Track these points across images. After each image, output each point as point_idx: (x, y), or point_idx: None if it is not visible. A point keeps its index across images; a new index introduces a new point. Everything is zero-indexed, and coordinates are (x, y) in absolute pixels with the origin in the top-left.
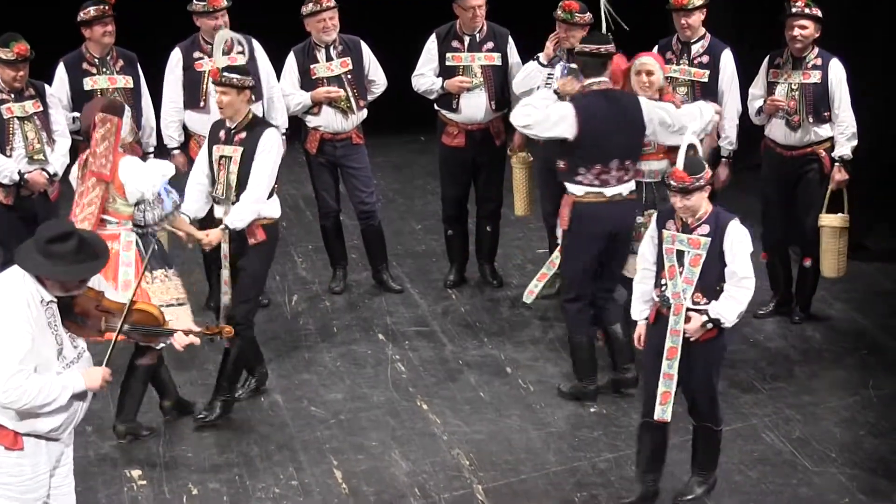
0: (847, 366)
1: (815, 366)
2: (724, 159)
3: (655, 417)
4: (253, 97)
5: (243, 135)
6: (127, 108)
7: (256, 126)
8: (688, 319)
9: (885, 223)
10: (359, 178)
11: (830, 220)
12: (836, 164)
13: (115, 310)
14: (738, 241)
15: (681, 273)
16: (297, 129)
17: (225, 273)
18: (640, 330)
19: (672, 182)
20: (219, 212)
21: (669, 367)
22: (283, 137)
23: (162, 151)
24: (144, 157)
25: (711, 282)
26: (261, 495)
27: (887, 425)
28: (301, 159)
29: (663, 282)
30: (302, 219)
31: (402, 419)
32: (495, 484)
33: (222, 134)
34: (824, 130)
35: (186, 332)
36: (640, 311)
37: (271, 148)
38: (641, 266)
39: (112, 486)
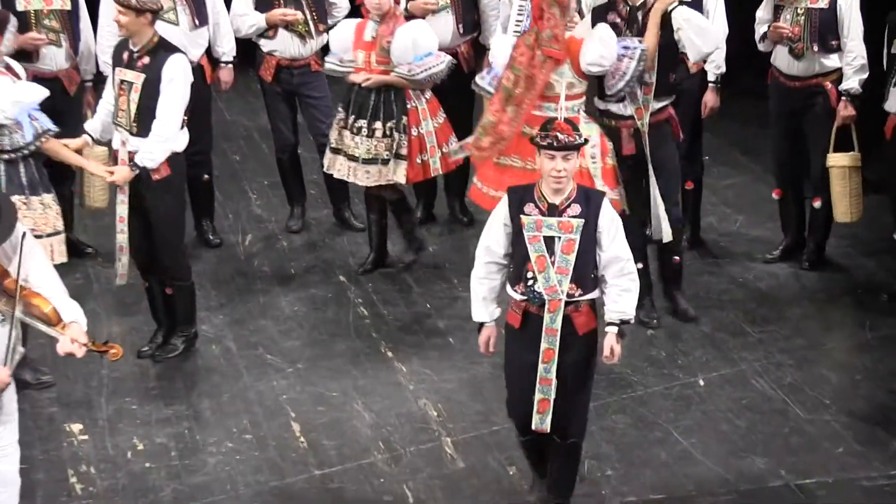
0: (842, 306)
1: (809, 307)
2: (711, 84)
3: (534, 428)
4: (153, 20)
5: (146, 60)
6: (11, 20)
7: (160, 51)
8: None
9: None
10: (318, 108)
11: (838, 160)
12: (843, 98)
13: (11, 290)
14: (614, 219)
15: (553, 263)
16: (251, 54)
17: (122, 209)
18: (490, 334)
19: (551, 138)
20: (116, 140)
21: (546, 372)
22: (230, 66)
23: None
24: (83, 84)
25: (586, 270)
26: (212, 449)
27: (884, 369)
28: (255, 88)
29: (530, 275)
30: (257, 152)
31: (365, 368)
32: (465, 436)
33: (125, 56)
34: (831, 61)
35: (73, 341)
36: (487, 311)
37: (176, 76)
38: (486, 259)
39: (50, 441)
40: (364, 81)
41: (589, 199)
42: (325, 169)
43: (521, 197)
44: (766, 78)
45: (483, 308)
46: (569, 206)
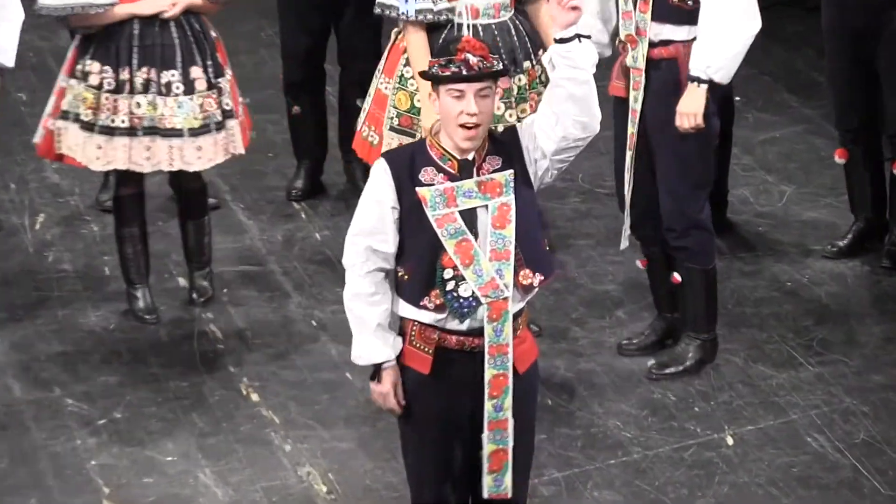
0: None
1: (892, 326)
2: None
3: (488, 495)
4: None
5: None
6: None
7: None
8: None
9: None
10: None
11: None
12: None
13: None
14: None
15: (483, 247)
16: None
17: None
18: (396, 378)
19: (457, 64)
20: None
21: (498, 410)
22: None
23: None
24: None
25: (535, 239)
26: None
27: None
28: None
29: (448, 275)
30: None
31: (218, 417)
32: None
33: None
34: None
35: None
36: (387, 345)
37: None
38: (369, 265)
39: None
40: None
41: (504, 141)
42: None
43: (407, 160)
44: None
45: (379, 341)
46: (486, 157)
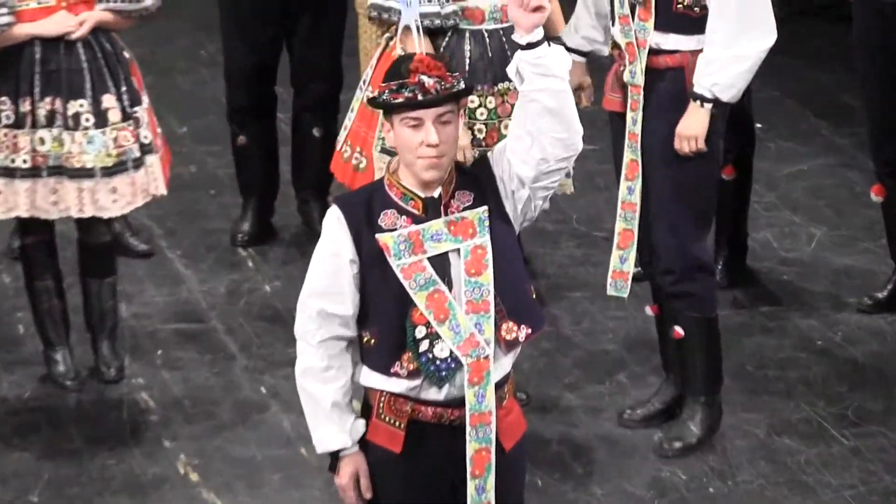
0: None
1: None
2: None
3: None
4: None
5: None
6: None
7: None
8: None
9: None
10: None
11: None
12: None
13: None
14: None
15: (459, 301)
16: None
17: None
18: (358, 466)
19: (410, 89)
20: None
21: (480, 492)
22: None
23: None
24: None
25: (518, 285)
26: None
27: None
28: None
29: (420, 335)
30: None
31: (151, 500)
32: None
33: None
34: None
35: None
36: (345, 429)
37: None
38: (324, 333)
39: None
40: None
41: (474, 174)
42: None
43: (364, 205)
44: None
45: (334, 426)
46: (455, 193)
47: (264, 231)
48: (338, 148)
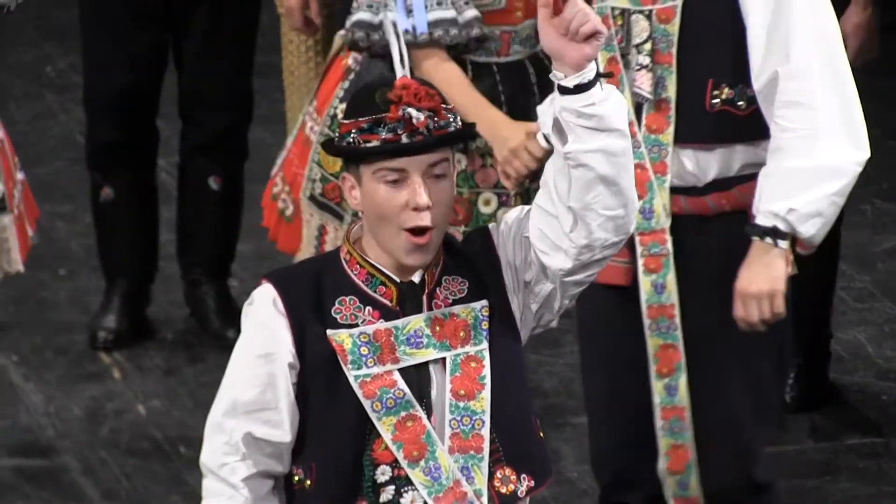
0: None
1: None
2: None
3: None
4: None
5: None
6: None
7: None
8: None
9: None
10: None
11: None
12: None
13: None
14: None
15: (440, 434)
16: None
17: None
18: None
19: (393, 124)
20: None
21: None
22: None
23: None
24: None
25: (521, 413)
26: None
27: None
28: None
29: (383, 478)
30: None
31: None
32: None
33: None
34: None
35: None
36: None
37: None
38: (244, 473)
39: None
40: None
41: (470, 253)
42: None
43: (311, 286)
44: None
45: None
46: (442, 279)
47: (137, 328)
48: (272, 175)
